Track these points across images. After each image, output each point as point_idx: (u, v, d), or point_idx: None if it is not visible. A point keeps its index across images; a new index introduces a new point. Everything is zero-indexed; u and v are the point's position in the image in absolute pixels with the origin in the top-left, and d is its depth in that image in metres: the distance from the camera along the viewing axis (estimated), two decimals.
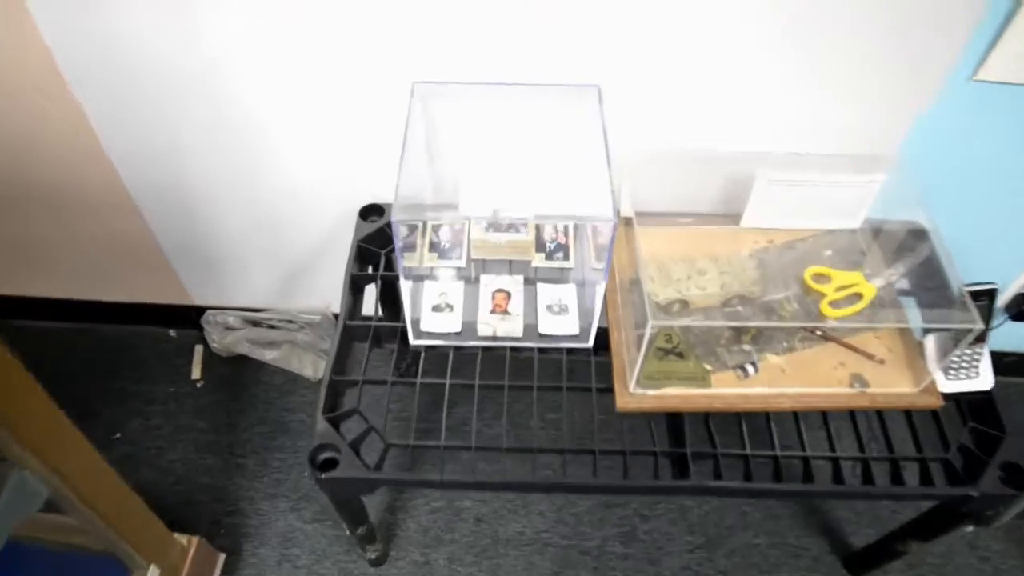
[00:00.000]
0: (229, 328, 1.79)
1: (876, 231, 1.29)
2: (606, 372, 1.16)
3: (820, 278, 1.19)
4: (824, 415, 1.18)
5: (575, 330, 1.20)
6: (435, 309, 1.22)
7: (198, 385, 1.81)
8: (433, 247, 1.32)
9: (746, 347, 1.19)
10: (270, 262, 1.66)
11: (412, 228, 1.33)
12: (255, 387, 1.79)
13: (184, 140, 1.36)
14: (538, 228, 1.34)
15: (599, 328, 1.17)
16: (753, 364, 1.16)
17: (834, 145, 1.29)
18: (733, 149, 1.30)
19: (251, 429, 1.73)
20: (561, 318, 1.21)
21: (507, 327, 1.19)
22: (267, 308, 1.78)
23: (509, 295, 1.23)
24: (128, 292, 1.79)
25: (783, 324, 1.19)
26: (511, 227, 1.29)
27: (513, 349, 1.20)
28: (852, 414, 1.17)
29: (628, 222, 1.27)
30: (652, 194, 1.34)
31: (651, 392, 1.13)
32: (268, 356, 1.76)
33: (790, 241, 1.31)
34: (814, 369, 1.17)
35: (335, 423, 1.12)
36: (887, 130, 1.25)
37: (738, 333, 1.21)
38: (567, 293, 1.25)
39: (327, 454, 1.09)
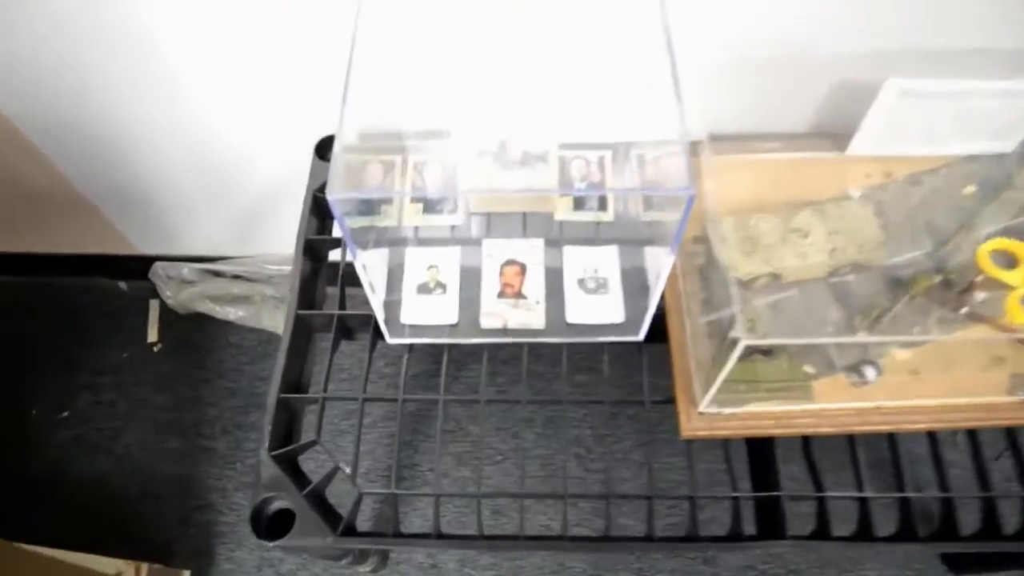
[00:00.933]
0: (184, 282, 1.46)
1: None
2: (663, 375, 0.82)
3: (1004, 258, 0.81)
4: (972, 434, 0.84)
5: (619, 316, 0.85)
6: (422, 290, 0.88)
7: (155, 349, 1.51)
8: (417, 197, 0.96)
9: (861, 336, 0.84)
10: (219, 203, 1.31)
11: (382, 167, 0.97)
12: (222, 351, 1.48)
13: (78, 68, 0.99)
14: (563, 163, 0.97)
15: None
16: (873, 364, 0.81)
17: (978, 38, 0.89)
18: (839, 48, 0.90)
19: (220, 403, 1.43)
20: (599, 299, 0.86)
21: (522, 316, 0.84)
22: (226, 257, 1.45)
23: (523, 269, 0.88)
24: (59, 242, 1.46)
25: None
26: (525, 163, 0.92)
27: (532, 346, 0.86)
28: (1011, 433, 0.83)
29: (693, 149, 0.91)
30: (724, 110, 0.97)
31: (728, 410, 0.79)
32: (234, 314, 1.44)
33: (915, 173, 0.94)
34: (959, 367, 0.82)
35: (288, 462, 0.81)
36: None
37: (848, 314, 0.85)
38: (606, 260, 0.90)
39: (278, 505, 0.78)
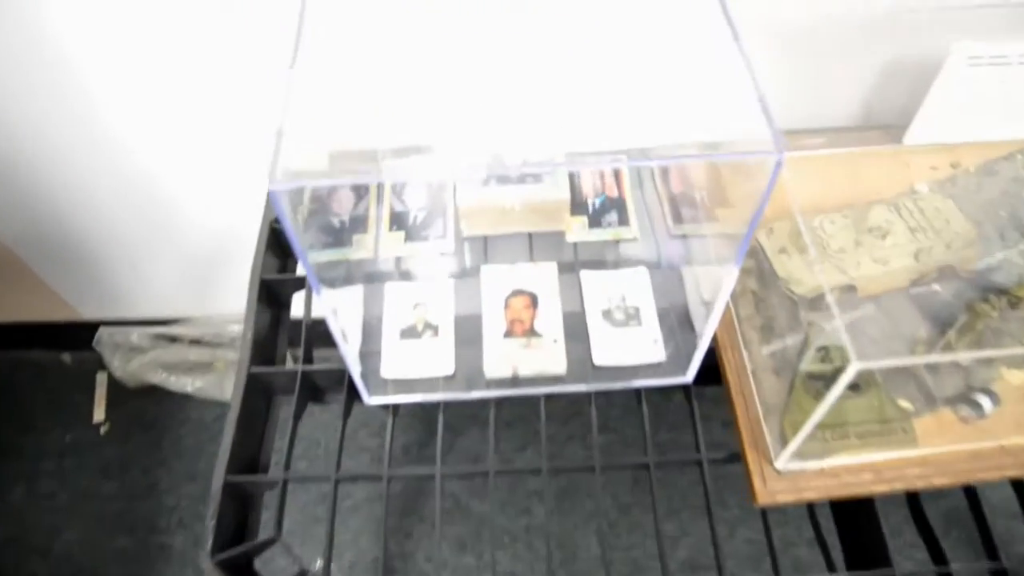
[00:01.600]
0: (134, 349, 1.27)
1: None
2: (720, 425, 0.64)
3: None
4: None
5: (658, 354, 0.67)
6: (407, 335, 0.70)
7: (102, 430, 1.30)
8: (398, 221, 0.79)
9: (963, 357, 0.67)
10: (169, 255, 1.13)
11: (353, 191, 0.80)
12: (179, 428, 1.28)
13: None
14: (571, 177, 0.81)
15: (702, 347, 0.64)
16: (987, 392, 0.64)
17: None
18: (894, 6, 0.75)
19: (176, 491, 1.23)
20: (631, 334, 0.69)
21: (537, 360, 0.66)
22: (181, 319, 1.26)
23: (534, 300, 0.70)
24: None
25: None
26: (527, 177, 0.75)
27: (551, 397, 0.67)
28: None
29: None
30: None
31: (814, 465, 0.61)
32: (191, 385, 1.25)
33: (988, 162, 0.78)
34: None
35: (239, 567, 0.61)
36: None
37: (941, 328, 0.68)
38: (635, 285, 0.72)
39: None
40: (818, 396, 0.64)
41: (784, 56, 0.79)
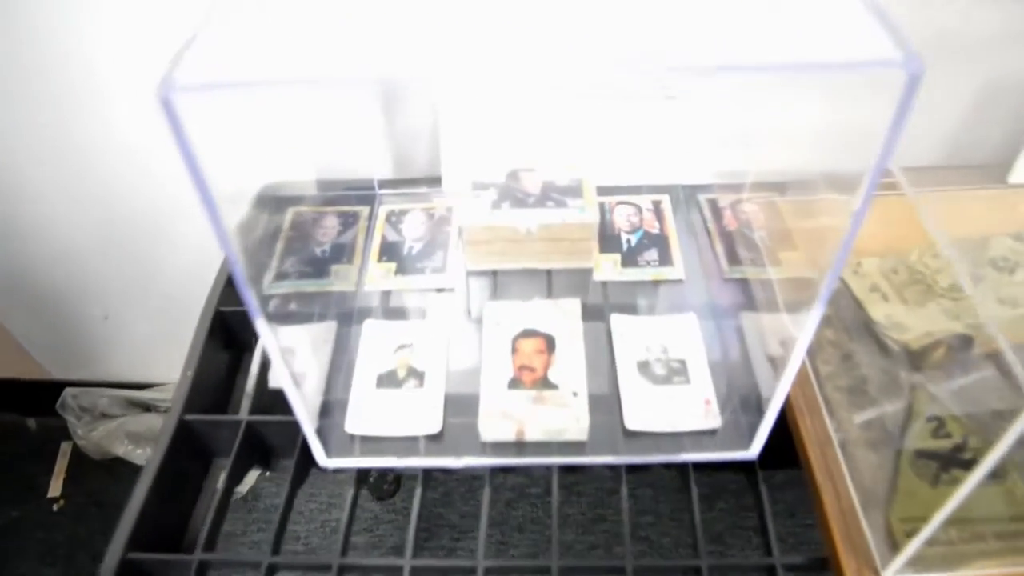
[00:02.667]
0: (103, 415, 1.12)
1: None
2: (802, 520, 0.46)
3: None
4: None
5: (711, 419, 0.51)
6: (385, 382, 0.54)
7: (55, 507, 1.13)
8: (389, 251, 0.64)
9: None
10: (146, 317, 1.00)
11: (338, 219, 0.68)
12: None
13: None
14: (603, 209, 0.67)
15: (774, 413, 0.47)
16: None
17: None
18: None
19: None
20: (674, 392, 0.52)
21: (551, 419, 0.50)
22: (155, 383, 1.11)
23: (550, 343, 0.54)
24: None
25: None
26: (549, 199, 0.60)
27: (569, 470, 0.50)
28: None
29: (783, 189, 0.62)
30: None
31: None
32: None
33: None
34: None
35: None
36: None
37: None
38: (681, 334, 0.56)
39: None
40: (935, 481, 0.47)
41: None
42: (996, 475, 0.46)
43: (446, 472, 0.53)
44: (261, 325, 0.40)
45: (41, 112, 0.75)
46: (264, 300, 0.57)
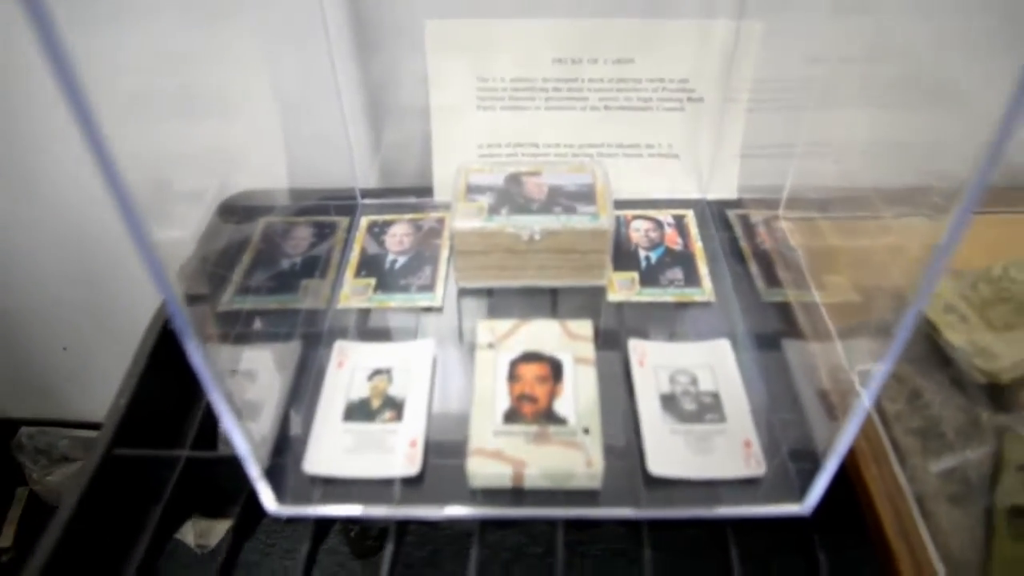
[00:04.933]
0: (61, 458, 1.02)
1: None
2: None
3: None
4: None
5: (752, 466, 0.41)
6: (354, 415, 0.44)
7: (3, 559, 1.02)
8: (368, 266, 0.56)
9: None
10: (110, 351, 0.91)
11: (313, 229, 0.59)
12: None
13: None
14: (617, 223, 0.58)
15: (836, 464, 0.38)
16: None
17: None
18: None
19: None
20: (707, 433, 0.43)
21: (556, 461, 0.40)
22: None
23: (556, 369, 0.45)
24: None
25: None
26: (557, 204, 0.52)
27: (577, 526, 0.41)
28: None
29: (808, 205, 0.54)
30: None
31: None
32: None
33: None
34: None
35: None
36: None
37: None
38: (715, 363, 0.47)
39: None
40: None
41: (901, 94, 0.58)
42: None
43: (430, 526, 0.43)
44: (190, 345, 0.31)
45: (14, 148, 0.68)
46: (221, 317, 0.48)
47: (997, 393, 0.42)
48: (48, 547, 0.41)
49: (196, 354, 0.31)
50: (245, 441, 0.36)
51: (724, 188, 0.62)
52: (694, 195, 0.62)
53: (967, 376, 0.42)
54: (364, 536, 0.69)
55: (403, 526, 0.42)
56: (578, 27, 0.57)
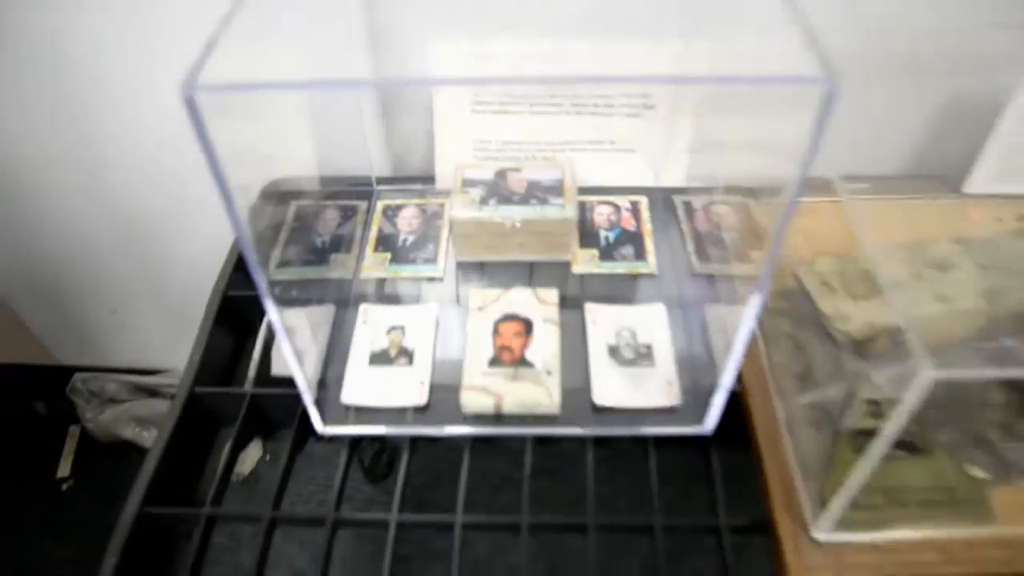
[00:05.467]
0: (111, 400, 1.17)
1: None
2: (745, 488, 0.52)
3: None
4: None
5: (672, 397, 0.56)
6: (377, 360, 0.59)
7: (64, 486, 1.18)
8: (384, 243, 0.70)
9: None
10: (154, 306, 1.06)
11: (339, 212, 0.73)
12: None
13: None
14: (583, 208, 0.72)
15: (729, 390, 0.53)
16: None
17: None
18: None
19: None
20: (641, 373, 0.58)
21: (526, 393, 0.55)
22: (161, 370, 1.17)
23: (528, 326, 0.60)
24: None
25: None
26: (533, 197, 0.66)
27: (541, 441, 0.56)
28: None
29: (753, 193, 0.67)
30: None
31: (862, 537, 0.48)
32: None
33: None
34: None
35: None
36: None
37: (1019, 393, 0.56)
38: (650, 322, 0.62)
39: None
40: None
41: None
42: (923, 451, 0.51)
43: (430, 454, 0.58)
44: (269, 305, 0.45)
45: (55, 115, 0.81)
46: (270, 285, 0.63)
47: (857, 346, 0.57)
48: (154, 459, 0.56)
49: (272, 311, 0.45)
50: (303, 378, 0.51)
51: (675, 178, 0.76)
52: (649, 184, 0.76)
53: (833, 333, 0.57)
54: (376, 463, 0.85)
55: (410, 450, 0.57)
56: (557, 47, 0.70)
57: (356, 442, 0.58)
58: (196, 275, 0.99)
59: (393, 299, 0.66)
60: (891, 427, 0.39)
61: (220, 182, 0.37)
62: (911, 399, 0.37)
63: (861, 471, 0.43)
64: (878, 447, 0.41)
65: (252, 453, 0.99)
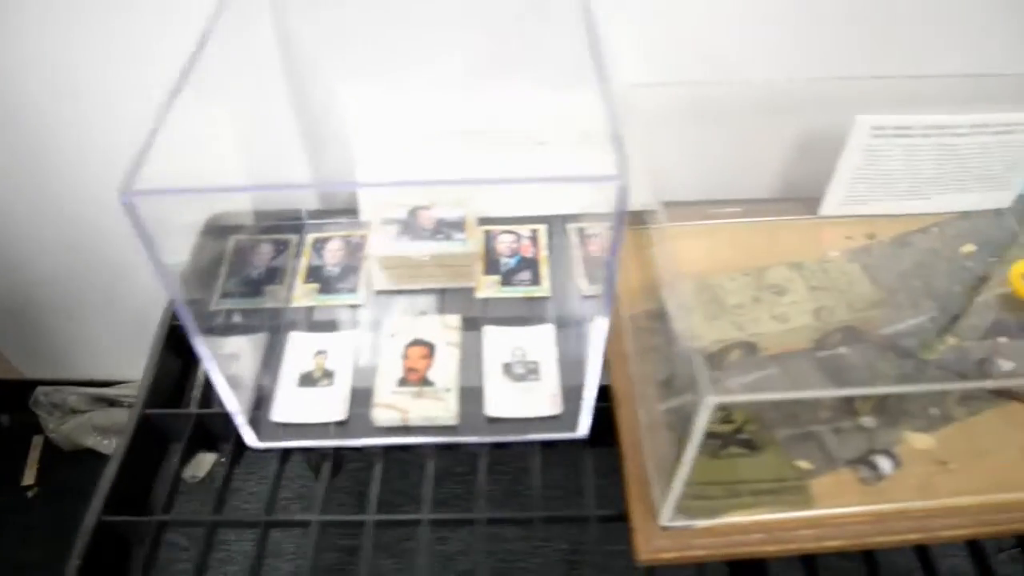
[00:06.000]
0: (71, 411, 1.25)
1: None
2: (612, 483, 0.62)
3: None
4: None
5: (554, 408, 0.66)
6: (305, 382, 0.69)
7: (29, 494, 1.26)
8: (314, 274, 0.79)
9: (867, 421, 0.65)
10: (111, 318, 1.13)
11: (273, 246, 0.81)
12: None
13: None
14: (489, 237, 0.81)
15: (598, 403, 0.63)
16: (888, 454, 0.62)
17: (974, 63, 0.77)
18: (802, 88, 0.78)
19: None
20: (528, 388, 0.68)
21: (428, 408, 0.65)
22: (120, 381, 1.24)
23: (432, 349, 0.70)
24: None
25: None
26: (440, 232, 0.76)
27: (443, 448, 0.66)
28: None
29: (640, 219, 0.76)
30: (669, 174, 0.83)
31: (702, 523, 0.59)
32: None
33: (902, 234, 0.79)
34: (998, 454, 0.63)
35: None
36: None
37: (849, 399, 0.67)
38: (539, 341, 0.72)
39: None
40: (714, 455, 0.63)
41: (698, 126, 0.81)
42: (759, 448, 0.62)
43: (358, 453, 0.68)
44: (199, 344, 0.54)
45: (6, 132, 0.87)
46: (211, 315, 0.72)
47: (710, 359, 0.67)
48: (110, 476, 0.64)
49: (201, 346, 0.54)
50: (234, 401, 0.60)
51: (571, 207, 0.85)
52: (551, 212, 0.85)
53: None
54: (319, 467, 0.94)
55: (342, 455, 0.66)
56: (476, 99, 0.79)
57: (288, 453, 0.68)
58: (150, 289, 1.07)
59: (319, 326, 0.75)
60: (695, 437, 0.49)
61: (160, 270, 0.46)
62: (700, 420, 0.47)
63: (684, 468, 0.53)
64: (690, 450, 0.51)
65: (208, 457, 1.09)
